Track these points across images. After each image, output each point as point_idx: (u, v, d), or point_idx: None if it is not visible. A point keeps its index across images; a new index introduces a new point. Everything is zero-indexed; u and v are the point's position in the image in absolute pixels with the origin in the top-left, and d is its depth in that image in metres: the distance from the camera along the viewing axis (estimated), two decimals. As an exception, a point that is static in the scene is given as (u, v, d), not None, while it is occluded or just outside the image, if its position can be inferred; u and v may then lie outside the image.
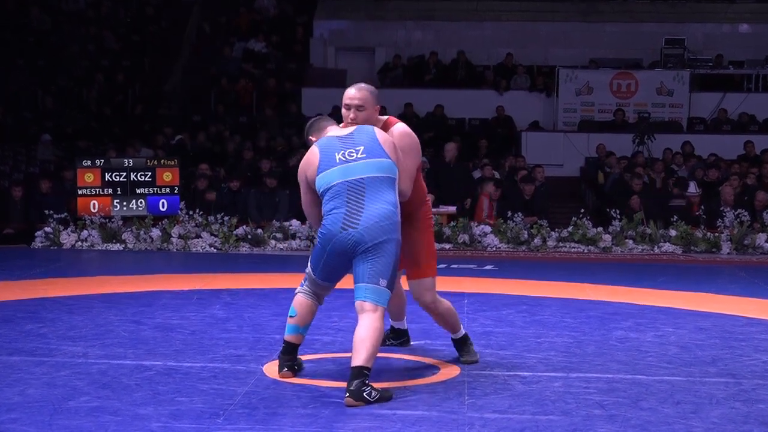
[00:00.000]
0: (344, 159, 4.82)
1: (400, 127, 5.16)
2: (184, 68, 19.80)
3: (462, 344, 5.51)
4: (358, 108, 5.03)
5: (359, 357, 4.57)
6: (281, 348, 5.11)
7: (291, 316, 5.04)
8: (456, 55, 19.57)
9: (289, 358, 5.07)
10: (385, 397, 4.59)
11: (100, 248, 11.63)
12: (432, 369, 5.29)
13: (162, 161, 12.51)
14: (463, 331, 5.52)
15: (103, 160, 12.42)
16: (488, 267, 10.21)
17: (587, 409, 4.47)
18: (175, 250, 11.57)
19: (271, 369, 5.16)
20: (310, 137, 5.08)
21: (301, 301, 5.02)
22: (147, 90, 18.98)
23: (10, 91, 18.34)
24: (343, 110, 5.09)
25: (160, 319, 6.67)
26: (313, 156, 4.90)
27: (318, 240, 4.86)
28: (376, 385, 4.64)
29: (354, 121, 5.03)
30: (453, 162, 13.10)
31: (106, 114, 17.76)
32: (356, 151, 4.84)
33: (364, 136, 4.90)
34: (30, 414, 4.25)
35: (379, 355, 5.52)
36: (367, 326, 4.65)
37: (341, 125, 5.11)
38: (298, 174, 5.03)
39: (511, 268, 10.13)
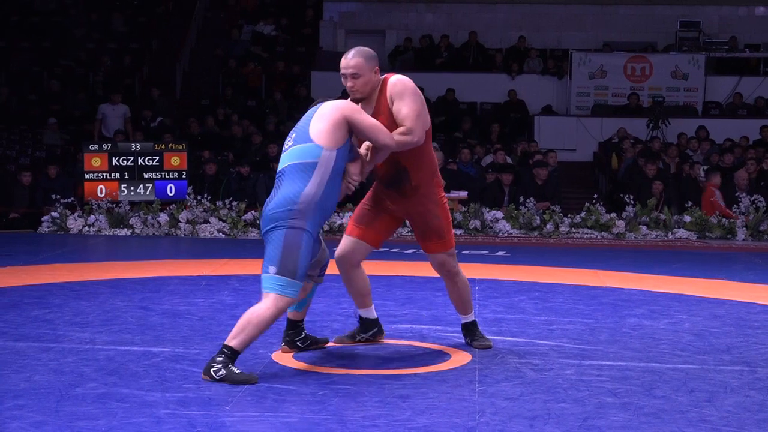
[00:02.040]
0: (285, 147, 4.90)
1: (393, 79, 5.12)
2: (192, 51, 19.74)
3: (472, 329, 5.47)
4: (354, 76, 5.01)
5: (229, 335, 4.67)
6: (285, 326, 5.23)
7: None
8: (468, 37, 19.47)
9: (290, 333, 5.21)
10: (237, 380, 4.55)
11: (107, 233, 11.60)
12: (443, 356, 5.24)
13: (170, 145, 12.46)
14: (473, 317, 5.49)
15: (110, 145, 12.39)
16: (500, 253, 10.16)
17: (600, 397, 4.42)
18: (182, 235, 11.54)
19: (280, 356, 5.13)
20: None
21: None
22: (155, 73, 18.94)
23: (15, 73, 18.33)
24: (342, 80, 5.07)
25: (168, 305, 6.63)
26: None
27: None
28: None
29: (352, 89, 5.02)
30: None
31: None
32: (291, 139, 4.88)
33: (303, 121, 4.91)
34: (37, 400, 4.22)
35: (388, 341, 5.52)
36: (249, 310, 4.71)
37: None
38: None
39: (523, 255, 10.08)
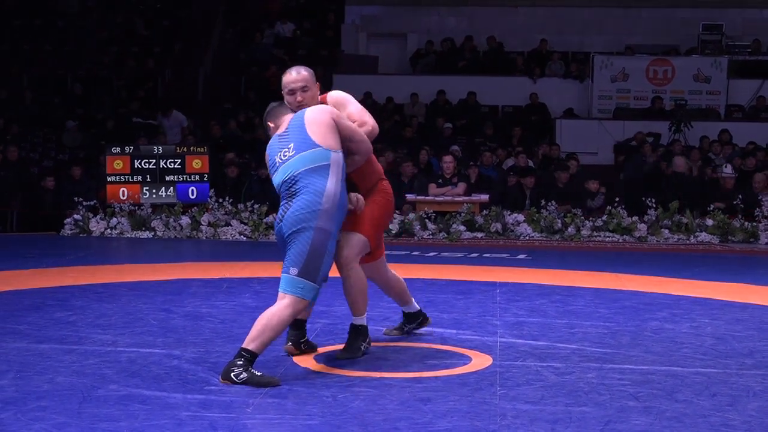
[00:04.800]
0: (281, 160, 4.90)
1: (333, 93, 5.34)
2: (214, 54, 19.82)
3: (353, 333, 5.26)
4: (303, 89, 5.11)
5: (246, 338, 4.67)
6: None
7: None
8: (486, 41, 19.47)
9: (296, 333, 5.19)
10: (261, 382, 4.54)
11: (129, 236, 11.66)
12: (464, 359, 5.23)
13: (192, 148, 12.52)
14: (364, 321, 5.27)
15: (132, 147, 12.45)
16: (521, 256, 10.13)
17: (621, 401, 4.39)
18: (204, 238, 11.58)
19: (301, 359, 5.13)
20: (269, 123, 5.13)
21: None
22: (178, 76, 19.03)
23: (38, 76, 18.45)
24: (288, 97, 5.14)
25: (190, 308, 6.66)
26: (266, 158, 5.06)
27: None
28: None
29: (301, 104, 5.08)
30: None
31: (137, 99, 17.80)
32: (288, 149, 4.89)
33: (294, 130, 4.93)
34: (59, 402, 4.24)
35: (409, 344, 5.51)
36: (265, 312, 4.73)
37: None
38: None
39: (545, 258, 10.05)
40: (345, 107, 5.21)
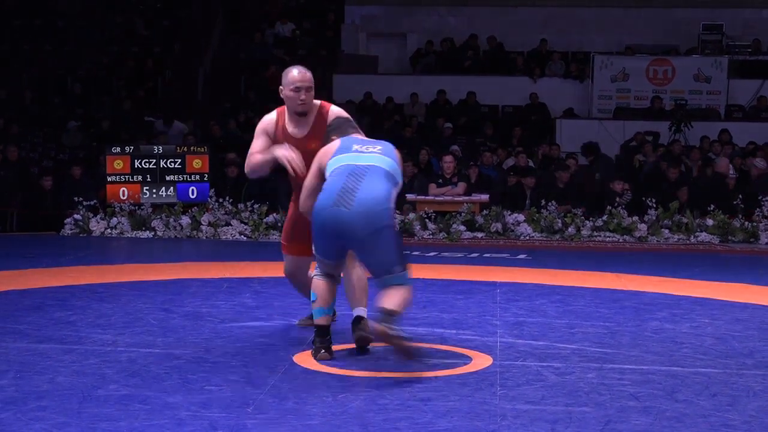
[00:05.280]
0: (360, 150, 5.04)
1: (336, 109, 5.43)
2: (214, 54, 19.83)
3: (361, 322, 5.39)
4: (308, 89, 5.25)
5: (390, 302, 4.81)
6: (314, 333, 5.16)
7: (313, 301, 5.13)
8: (486, 41, 19.48)
9: (324, 340, 5.14)
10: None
11: (129, 236, 11.66)
12: (464, 359, 5.23)
13: (192, 148, 12.52)
14: (364, 313, 5.43)
15: (132, 147, 12.45)
16: (521, 256, 10.13)
17: (621, 401, 4.40)
18: (204, 237, 11.58)
19: (302, 358, 5.13)
20: (333, 137, 5.21)
21: (317, 283, 5.13)
22: (178, 76, 19.04)
23: (38, 76, 18.46)
24: (292, 94, 5.23)
25: (190, 308, 6.65)
26: (332, 144, 5.13)
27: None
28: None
29: (305, 102, 5.22)
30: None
31: (137, 99, 17.80)
32: (374, 147, 5.08)
33: (383, 143, 5.17)
34: (59, 402, 4.24)
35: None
36: (401, 292, 4.88)
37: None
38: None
39: (545, 258, 10.05)
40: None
